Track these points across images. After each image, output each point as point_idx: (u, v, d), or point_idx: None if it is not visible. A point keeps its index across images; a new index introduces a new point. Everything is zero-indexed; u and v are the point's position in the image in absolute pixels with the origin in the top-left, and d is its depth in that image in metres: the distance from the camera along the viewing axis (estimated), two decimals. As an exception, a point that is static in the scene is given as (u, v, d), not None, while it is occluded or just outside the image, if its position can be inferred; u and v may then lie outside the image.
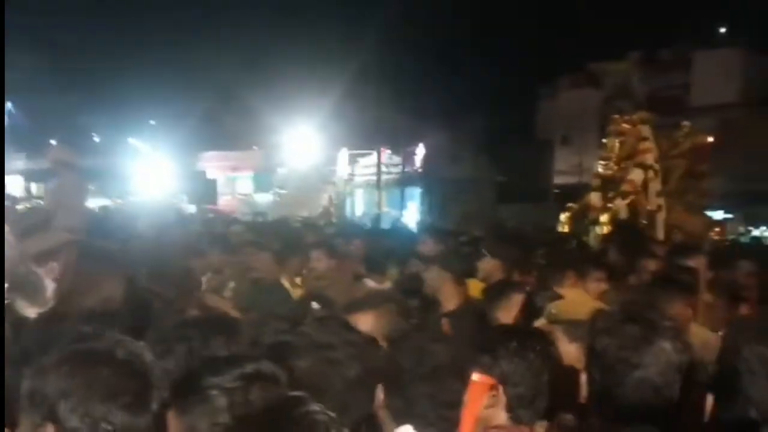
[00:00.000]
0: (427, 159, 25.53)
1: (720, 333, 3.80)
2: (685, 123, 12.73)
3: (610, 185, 11.26)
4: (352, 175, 27.77)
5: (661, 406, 2.14)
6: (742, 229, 24.60)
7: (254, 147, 31.72)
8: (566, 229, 11.36)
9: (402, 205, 23.76)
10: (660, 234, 10.44)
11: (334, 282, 5.31)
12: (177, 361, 2.19)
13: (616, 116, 11.60)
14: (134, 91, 31.84)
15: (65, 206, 6.86)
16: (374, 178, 24.61)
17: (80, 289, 3.07)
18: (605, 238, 9.53)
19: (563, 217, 11.59)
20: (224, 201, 28.96)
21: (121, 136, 30.83)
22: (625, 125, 11.39)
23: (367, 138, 26.14)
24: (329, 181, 28.23)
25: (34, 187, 26.18)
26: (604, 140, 11.83)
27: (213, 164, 30.78)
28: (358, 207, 27.77)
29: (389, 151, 25.77)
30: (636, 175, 10.95)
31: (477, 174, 24.92)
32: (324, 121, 27.62)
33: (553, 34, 31.84)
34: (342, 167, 28.03)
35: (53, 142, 16.25)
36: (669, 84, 31.20)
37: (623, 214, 10.62)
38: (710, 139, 13.06)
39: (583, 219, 11.21)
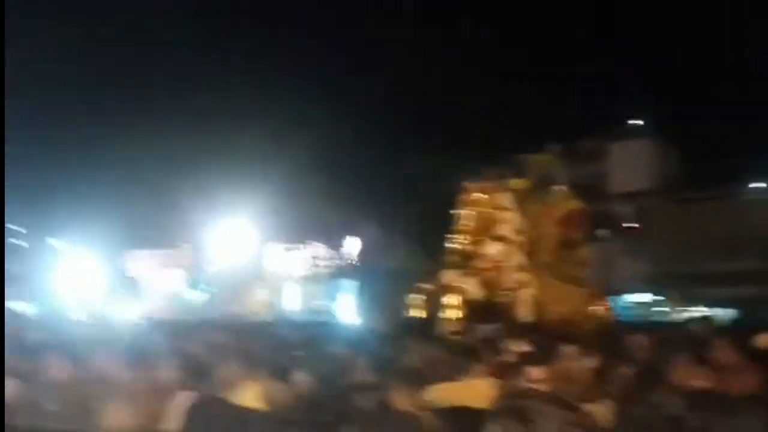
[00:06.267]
0: (362, 251, 25.60)
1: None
2: (560, 187, 11.36)
3: (466, 261, 9.90)
4: (285, 269, 27.51)
5: None
6: (667, 309, 25.38)
7: (183, 244, 31.14)
8: (419, 311, 9.84)
9: (337, 299, 23.55)
10: (525, 313, 9.17)
11: None
12: None
13: (470, 185, 10.26)
14: (59, 190, 31.06)
15: None
16: (308, 271, 24.41)
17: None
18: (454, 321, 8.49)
19: (416, 298, 10.03)
20: (151, 301, 28.16)
21: (43, 237, 29.85)
22: (479, 195, 10.12)
23: (299, 231, 26.05)
24: (261, 276, 27.87)
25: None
26: (455, 211, 10.32)
27: (140, 263, 30.03)
28: (293, 301, 27.40)
29: (323, 244, 25.73)
30: (492, 249, 9.77)
31: (413, 265, 25.03)
32: (254, 216, 27.46)
33: (477, 127, 32.97)
34: (275, 261, 27.76)
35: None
36: (588, 173, 32.48)
37: (475, 293, 9.36)
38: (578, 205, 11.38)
39: (438, 299, 9.67)
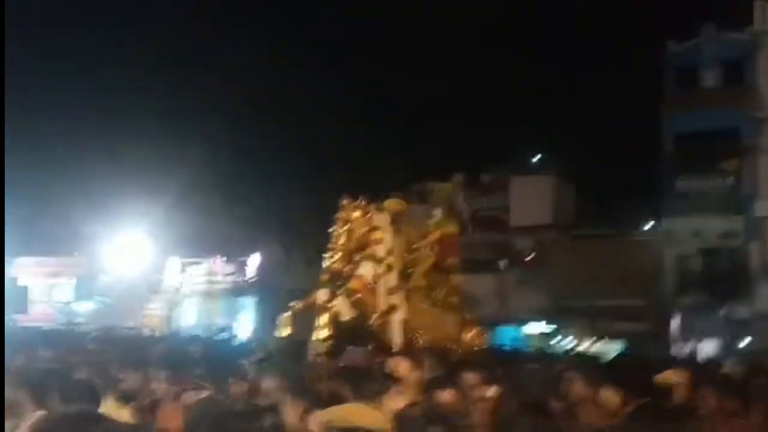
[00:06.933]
0: (261, 268, 25.37)
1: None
2: (436, 212, 11.38)
3: (338, 281, 9.57)
4: (182, 283, 26.94)
5: None
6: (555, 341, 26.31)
7: (75, 253, 30.00)
8: (288, 331, 9.46)
9: (235, 315, 23.24)
10: (396, 337, 9.01)
11: None
12: None
13: (345, 202, 9.88)
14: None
15: None
16: (206, 287, 24.01)
17: None
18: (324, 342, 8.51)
19: (283, 317, 9.68)
20: (39, 309, 27.00)
21: None
22: (354, 213, 9.76)
23: (199, 246, 25.61)
24: (157, 290, 27.19)
25: None
26: (330, 230, 9.93)
27: (28, 270, 28.71)
28: (189, 317, 26.84)
29: (222, 260, 25.38)
30: (365, 270, 9.43)
31: (311, 285, 25.03)
32: (153, 228, 26.81)
33: (382, 152, 33.35)
34: (172, 276, 27.15)
35: None
36: (490, 205, 33.30)
37: (346, 314, 9.06)
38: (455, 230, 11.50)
39: (309, 319, 9.34)
